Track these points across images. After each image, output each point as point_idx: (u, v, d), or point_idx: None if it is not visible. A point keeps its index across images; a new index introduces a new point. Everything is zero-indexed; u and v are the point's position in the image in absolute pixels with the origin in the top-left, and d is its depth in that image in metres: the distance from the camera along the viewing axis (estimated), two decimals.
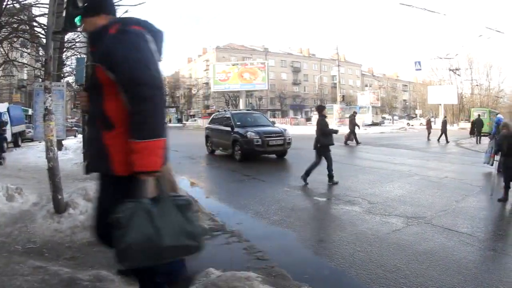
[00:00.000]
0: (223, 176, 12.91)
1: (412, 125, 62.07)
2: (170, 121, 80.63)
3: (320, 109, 11.72)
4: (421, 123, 66.20)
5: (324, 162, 10.89)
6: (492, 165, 12.74)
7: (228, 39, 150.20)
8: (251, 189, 10.33)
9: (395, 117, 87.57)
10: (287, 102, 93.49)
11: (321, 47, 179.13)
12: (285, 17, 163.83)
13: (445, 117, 38.53)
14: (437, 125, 40.72)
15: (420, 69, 66.71)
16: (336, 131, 11.69)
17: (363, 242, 5.99)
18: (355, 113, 28.92)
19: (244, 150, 15.10)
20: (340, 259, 5.27)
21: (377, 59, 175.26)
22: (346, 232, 6.48)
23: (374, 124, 53.42)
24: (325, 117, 11.49)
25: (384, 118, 71.51)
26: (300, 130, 34.90)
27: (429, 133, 30.51)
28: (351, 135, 25.35)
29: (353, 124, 26.05)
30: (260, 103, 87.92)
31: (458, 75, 70.33)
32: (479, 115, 32.44)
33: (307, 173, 10.78)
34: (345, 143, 24.74)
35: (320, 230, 6.67)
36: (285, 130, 16.48)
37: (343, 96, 66.52)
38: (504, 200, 8.49)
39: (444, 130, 28.79)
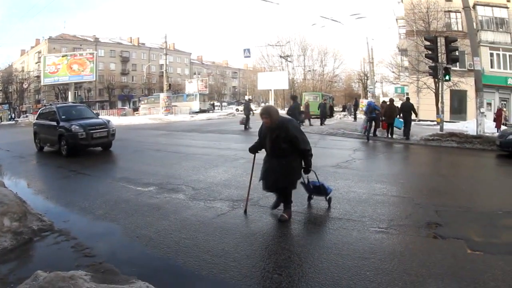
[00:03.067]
0: (51, 173, 12.17)
1: (241, 111, 63.79)
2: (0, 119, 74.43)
3: (294, 98, 20.76)
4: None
5: None
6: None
7: (61, 29, 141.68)
8: (76, 185, 9.95)
9: (224, 104, 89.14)
10: (115, 93, 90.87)
11: (151, 36, 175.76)
12: (115, 6, 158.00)
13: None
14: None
15: (249, 56, 68.74)
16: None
17: (188, 229, 6.10)
18: (250, 100, 32.79)
19: (70, 145, 14.33)
20: (166, 248, 5.35)
21: (207, 48, 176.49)
22: (170, 221, 6.55)
23: (201, 111, 53.89)
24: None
25: (212, 105, 72.43)
26: (127, 121, 34.08)
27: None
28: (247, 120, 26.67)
29: (248, 110, 27.90)
30: (89, 95, 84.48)
31: (290, 61, 73.57)
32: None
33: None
34: (246, 128, 25.67)
35: (144, 221, 6.59)
36: (108, 121, 15.98)
37: (170, 84, 66.23)
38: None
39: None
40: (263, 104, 68.42)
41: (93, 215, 6.97)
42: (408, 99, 25.12)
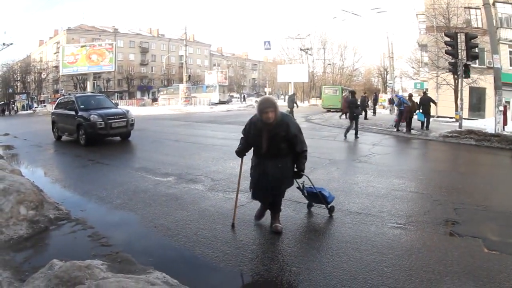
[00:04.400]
0: (69, 162, 12.21)
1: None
2: (16, 108, 75.08)
3: (353, 93, 20.26)
4: None
5: None
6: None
7: (80, 20, 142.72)
8: (94, 174, 9.96)
9: (244, 95, 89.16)
10: (134, 83, 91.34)
11: (171, 27, 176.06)
12: None
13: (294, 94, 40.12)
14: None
15: (270, 49, 68.29)
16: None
17: (207, 220, 6.08)
18: (294, 93, 34.03)
19: (88, 134, 14.42)
20: (184, 238, 5.32)
21: (227, 39, 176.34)
22: (188, 211, 6.53)
23: (221, 102, 53.85)
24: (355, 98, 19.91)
25: (231, 96, 72.35)
26: (146, 111, 34.19)
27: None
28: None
29: (292, 103, 28.56)
30: (107, 85, 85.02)
31: (310, 54, 73.21)
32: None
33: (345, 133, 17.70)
34: None
35: (162, 211, 6.57)
36: (127, 111, 16.02)
37: (190, 75, 66.29)
38: None
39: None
40: (285, 97, 68.34)
41: (111, 205, 6.96)
42: (425, 93, 25.42)
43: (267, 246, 5.19)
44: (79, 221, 5.99)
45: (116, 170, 10.24)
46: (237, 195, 6.22)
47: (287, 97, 54.30)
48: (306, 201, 6.84)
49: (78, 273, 3.55)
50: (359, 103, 23.16)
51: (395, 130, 21.02)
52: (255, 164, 5.98)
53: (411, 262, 4.87)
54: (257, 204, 6.35)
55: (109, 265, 4.11)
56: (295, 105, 29.16)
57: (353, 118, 18.27)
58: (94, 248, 4.92)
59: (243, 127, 6.07)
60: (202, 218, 6.15)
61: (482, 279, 4.54)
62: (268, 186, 5.72)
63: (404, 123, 21.64)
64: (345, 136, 17.82)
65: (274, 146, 5.65)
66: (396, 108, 23.02)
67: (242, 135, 6.19)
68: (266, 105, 5.57)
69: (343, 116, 29.90)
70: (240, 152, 6.21)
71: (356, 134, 17.77)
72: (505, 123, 24.32)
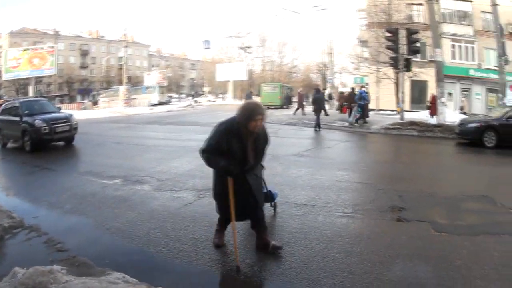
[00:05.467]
0: (15, 169, 11.79)
1: (200, 102, 63.18)
2: None
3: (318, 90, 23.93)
4: (208, 100, 67.93)
5: None
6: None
7: (22, 23, 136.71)
8: (42, 180, 9.68)
9: (183, 96, 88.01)
10: (75, 87, 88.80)
11: (111, 28, 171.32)
12: None
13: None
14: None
15: (209, 48, 68.05)
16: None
17: (157, 219, 6.12)
18: (251, 92, 34.78)
19: (33, 140, 13.87)
20: (137, 239, 5.34)
21: (165, 39, 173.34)
22: (138, 212, 6.53)
23: (160, 103, 53.13)
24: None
25: (170, 97, 71.28)
26: (88, 115, 33.24)
27: None
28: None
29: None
30: (48, 89, 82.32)
31: (249, 52, 72.93)
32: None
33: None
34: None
35: (113, 213, 6.54)
36: (71, 115, 15.54)
37: (129, 77, 65.00)
38: None
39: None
40: (224, 96, 68.08)
41: (62, 210, 6.84)
42: (353, 88, 27.05)
43: None
44: (33, 228, 5.87)
45: (63, 175, 10.01)
46: (235, 235, 4.78)
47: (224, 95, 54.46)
48: None
49: (42, 278, 3.56)
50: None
51: (356, 124, 21.60)
52: (232, 183, 4.75)
53: (361, 247, 5.09)
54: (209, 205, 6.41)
55: (68, 270, 4.09)
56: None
57: (319, 112, 20.14)
58: (51, 254, 4.86)
59: (208, 141, 4.74)
60: (152, 218, 6.18)
61: (433, 259, 4.82)
62: (253, 204, 4.90)
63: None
64: (318, 128, 19.90)
65: (259, 156, 4.98)
66: (356, 103, 23.15)
67: (205, 152, 4.75)
68: (257, 111, 4.63)
69: (299, 111, 30.38)
70: (231, 169, 4.65)
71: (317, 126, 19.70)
72: (434, 113, 25.22)
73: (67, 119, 15.00)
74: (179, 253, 4.83)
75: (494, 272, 4.60)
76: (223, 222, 5.17)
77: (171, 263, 4.60)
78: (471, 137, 16.19)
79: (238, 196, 4.76)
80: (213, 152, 4.70)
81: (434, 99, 25.67)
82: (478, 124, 16.25)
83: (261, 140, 4.88)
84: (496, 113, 17.50)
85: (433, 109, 25.43)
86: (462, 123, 17.23)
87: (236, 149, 4.68)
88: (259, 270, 4.49)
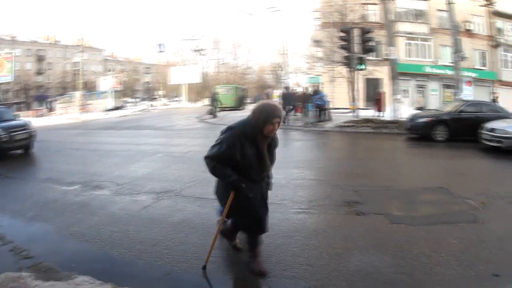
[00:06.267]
0: None
1: (155, 106, 62.46)
2: None
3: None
4: (163, 104, 67.21)
5: None
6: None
7: None
8: (3, 188, 9.36)
9: (137, 100, 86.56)
10: (31, 93, 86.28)
11: (68, 33, 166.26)
12: (33, 2, 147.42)
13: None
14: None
15: (164, 51, 66.41)
16: None
17: (118, 223, 6.12)
18: (217, 93, 33.24)
19: None
20: (100, 242, 5.35)
21: (120, 43, 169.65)
22: (99, 216, 6.50)
23: (116, 108, 52.18)
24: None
25: (125, 101, 69.93)
26: (45, 122, 32.31)
27: None
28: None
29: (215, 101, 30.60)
30: (6, 97, 79.68)
31: (203, 55, 72.30)
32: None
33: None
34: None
35: (75, 218, 6.47)
36: (29, 123, 15.13)
37: (85, 82, 63.61)
38: None
39: None
40: (178, 99, 67.12)
41: (25, 217, 6.73)
42: (307, 88, 26.26)
43: (179, 241, 5.33)
44: None
45: (24, 183, 9.78)
46: (216, 235, 4.67)
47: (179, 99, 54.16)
48: (210, 197, 7.12)
49: (13, 284, 3.60)
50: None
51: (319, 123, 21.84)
52: (253, 193, 4.29)
53: (318, 241, 5.22)
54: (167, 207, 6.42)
55: (36, 275, 4.09)
56: (218, 103, 30.49)
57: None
58: (18, 261, 4.82)
59: (216, 147, 4.14)
60: (113, 221, 6.19)
61: (390, 250, 4.98)
62: (267, 213, 4.54)
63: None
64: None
65: (273, 163, 4.51)
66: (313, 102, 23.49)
67: (211, 160, 4.17)
68: (276, 114, 4.06)
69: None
70: (242, 187, 4.15)
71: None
72: (381, 109, 25.73)
73: (26, 126, 14.56)
74: (141, 254, 4.88)
75: (453, 259, 4.77)
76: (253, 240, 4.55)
77: (135, 264, 4.65)
78: (421, 132, 16.64)
79: (255, 203, 4.32)
80: (221, 160, 4.12)
81: (380, 95, 26.27)
82: (428, 119, 16.74)
83: (275, 145, 4.42)
84: (448, 108, 18.01)
85: (379, 105, 26.01)
86: (412, 119, 17.68)
87: (252, 156, 4.15)
88: (219, 267, 4.60)
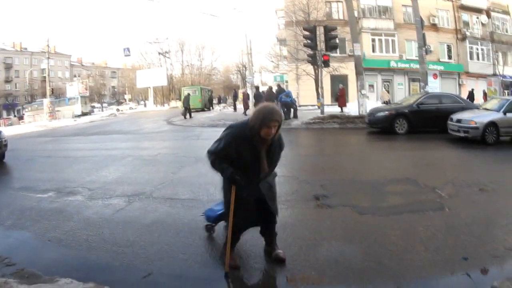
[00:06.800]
0: None
1: (122, 111, 61.71)
2: None
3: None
4: (130, 108, 66.36)
5: None
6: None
7: None
8: None
9: (105, 105, 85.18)
10: (0, 102, 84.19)
11: (34, 39, 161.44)
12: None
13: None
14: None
15: (129, 55, 65.74)
16: None
17: (93, 227, 6.17)
18: (189, 94, 33.94)
19: None
20: (77, 246, 5.41)
21: (86, 48, 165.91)
22: (74, 221, 6.53)
23: (84, 114, 51.24)
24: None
25: (93, 106, 68.75)
26: (14, 130, 31.46)
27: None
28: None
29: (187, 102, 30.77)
30: None
31: (168, 57, 71.49)
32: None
33: None
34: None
35: (51, 224, 6.50)
36: (0, 132, 14.79)
37: (53, 89, 62.34)
38: None
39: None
40: (145, 102, 66.48)
41: (3, 226, 6.73)
42: (271, 87, 26.56)
43: (153, 241, 5.45)
44: None
45: None
46: (229, 240, 4.49)
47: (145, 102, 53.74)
48: (180, 197, 7.39)
49: None
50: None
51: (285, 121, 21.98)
52: (246, 193, 4.33)
53: (287, 234, 5.34)
54: (139, 209, 6.67)
55: (20, 281, 4.18)
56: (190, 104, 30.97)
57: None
58: (0, 269, 4.86)
59: (216, 144, 4.28)
60: (88, 226, 6.25)
61: (358, 239, 5.17)
62: (264, 213, 4.55)
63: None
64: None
65: (274, 165, 4.47)
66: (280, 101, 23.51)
67: (211, 154, 4.31)
68: (273, 117, 4.00)
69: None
70: (237, 179, 4.20)
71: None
72: (343, 104, 26.07)
73: None
74: (117, 255, 5.00)
75: (420, 245, 4.96)
76: (234, 239, 4.54)
77: (112, 265, 4.77)
78: (381, 126, 16.99)
79: (247, 205, 4.35)
80: (219, 156, 4.22)
81: (342, 91, 26.66)
82: (387, 112, 17.06)
83: (276, 148, 4.35)
84: (408, 101, 18.31)
85: (341, 101, 26.37)
86: (371, 113, 17.99)
87: (248, 157, 4.16)
88: (193, 263, 4.75)
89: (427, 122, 16.68)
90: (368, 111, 19.82)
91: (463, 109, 16.09)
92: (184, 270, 4.61)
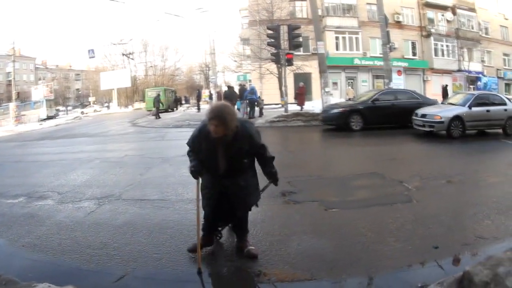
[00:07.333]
0: None
1: (87, 113, 60.61)
2: None
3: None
4: (95, 110, 65.19)
5: None
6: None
7: None
8: None
9: (69, 108, 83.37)
10: None
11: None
12: None
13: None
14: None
15: (94, 57, 63.75)
16: None
17: (66, 230, 6.11)
18: (158, 94, 35.14)
19: None
20: (51, 250, 5.36)
21: (51, 51, 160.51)
22: (47, 226, 6.45)
23: (49, 117, 49.98)
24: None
25: (58, 110, 67.15)
26: None
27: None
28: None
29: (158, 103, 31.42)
30: None
31: (132, 59, 70.27)
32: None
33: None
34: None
35: (24, 229, 6.40)
36: None
37: (18, 93, 60.65)
38: None
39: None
40: (109, 105, 65.41)
41: None
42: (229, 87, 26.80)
43: (125, 242, 5.47)
44: None
45: None
46: (198, 233, 4.67)
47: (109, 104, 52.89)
48: (149, 198, 7.46)
49: None
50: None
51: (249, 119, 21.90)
52: (209, 185, 4.53)
53: (256, 231, 5.41)
54: (110, 211, 6.69)
55: None
56: (160, 104, 31.17)
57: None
58: None
59: (190, 137, 4.55)
60: (61, 230, 6.19)
61: (328, 233, 5.28)
62: (228, 211, 4.60)
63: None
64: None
65: (234, 164, 4.35)
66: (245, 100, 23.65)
67: (188, 145, 4.56)
68: (210, 115, 4.07)
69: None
70: (197, 171, 4.37)
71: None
72: (302, 103, 26.19)
73: None
74: (91, 258, 4.99)
75: (390, 236, 5.09)
76: (205, 226, 4.80)
77: (86, 268, 4.77)
78: (336, 123, 16.89)
79: (214, 200, 4.52)
80: (191, 148, 4.48)
81: (301, 90, 26.78)
82: (341, 109, 17.03)
83: (242, 143, 4.27)
84: (363, 97, 18.29)
85: (300, 99, 26.52)
86: (325, 110, 18.01)
87: (205, 151, 4.30)
88: (166, 263, 4.77)
89: (382, 118, 16.66)
90: (322, 108, 19.93)
91: (419, 104, 16.24)
92: (158, 270, 4.65)
